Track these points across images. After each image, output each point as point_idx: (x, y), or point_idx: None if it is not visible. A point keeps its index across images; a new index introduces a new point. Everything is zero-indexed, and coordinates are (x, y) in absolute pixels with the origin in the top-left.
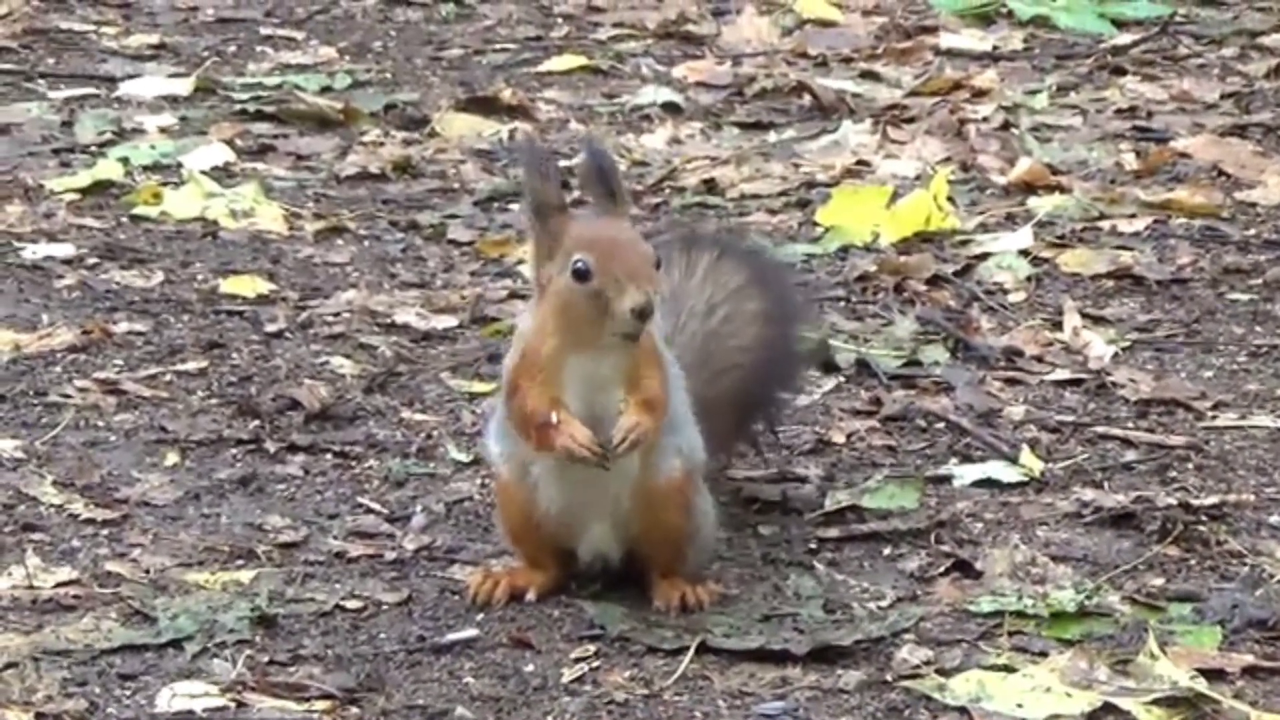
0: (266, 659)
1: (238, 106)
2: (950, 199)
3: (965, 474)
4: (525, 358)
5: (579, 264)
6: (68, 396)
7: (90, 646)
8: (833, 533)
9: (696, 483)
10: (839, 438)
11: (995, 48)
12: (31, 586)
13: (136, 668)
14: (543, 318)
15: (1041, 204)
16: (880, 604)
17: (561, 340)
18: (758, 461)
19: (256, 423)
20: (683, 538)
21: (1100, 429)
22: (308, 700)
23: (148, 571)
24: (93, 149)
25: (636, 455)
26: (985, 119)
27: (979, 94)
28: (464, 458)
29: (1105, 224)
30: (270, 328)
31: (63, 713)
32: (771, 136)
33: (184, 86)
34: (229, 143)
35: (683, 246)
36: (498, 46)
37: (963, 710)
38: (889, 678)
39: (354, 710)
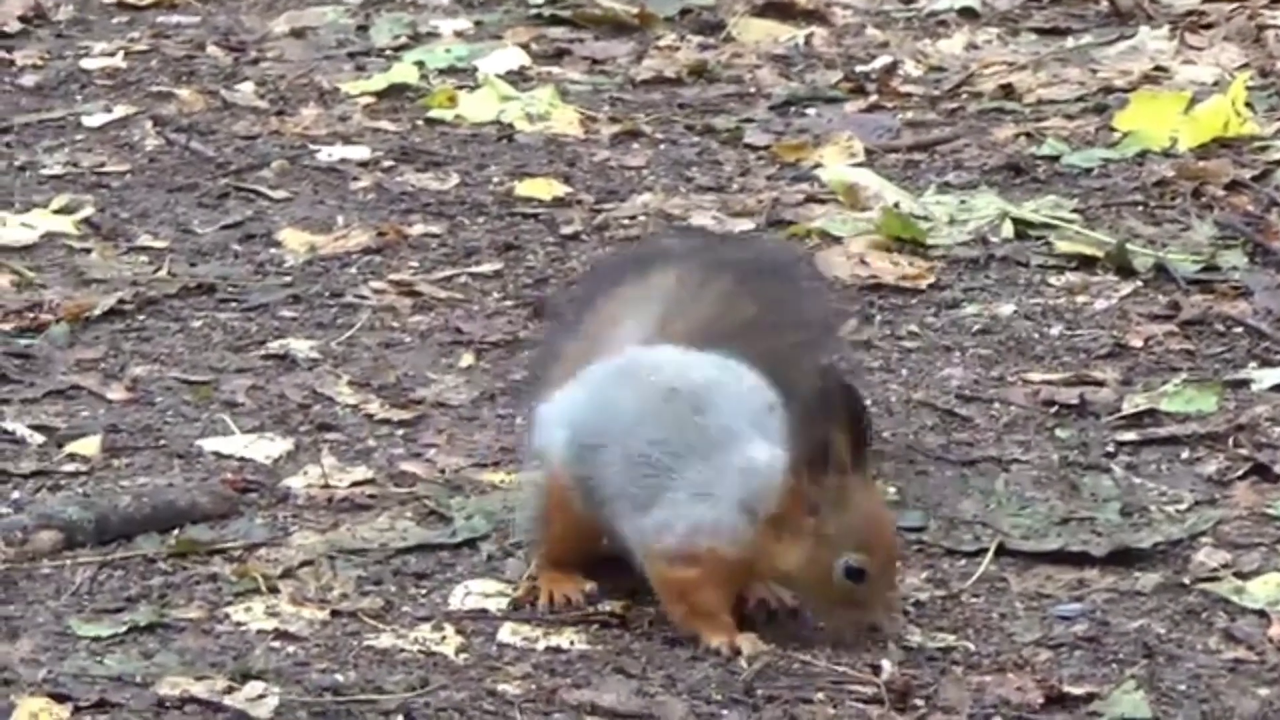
0: None
1: (533, 11)
2: (1249, 104)
3: (1264, 378)
4: (735, 564)
5: (854, 564)
6: (363, 298)
7: (385, 545)
8: (1130, 436)
9: None
10: (1136, 342)
11: None
12: (327, 486)
13: (431, 566)
14: (785, 558)
15: None
16: (1178, 507)
17: (789, 583)
18: (1055, 365)
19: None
20: None
21: None
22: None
23: (443, 471)
24: (388, 52)
25: None
26: None
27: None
28: None
29: None
30: (565, 230)
31: (358, 610)
32: (1069, 42)
33: None
34: (524, 47)
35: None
36: None
37: (1261, 613)
38: (1186, 581)
39: (649, 609)
